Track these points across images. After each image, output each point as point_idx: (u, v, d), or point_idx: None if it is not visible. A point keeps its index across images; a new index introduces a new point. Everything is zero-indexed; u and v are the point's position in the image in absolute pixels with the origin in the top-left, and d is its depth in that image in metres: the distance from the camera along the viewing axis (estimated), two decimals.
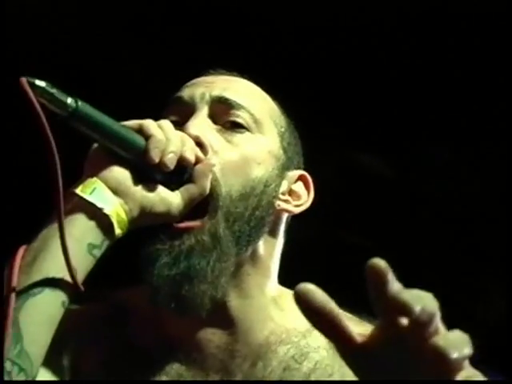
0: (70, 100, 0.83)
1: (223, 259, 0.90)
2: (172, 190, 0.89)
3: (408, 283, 0.58)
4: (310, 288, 0.55)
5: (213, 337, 0.95)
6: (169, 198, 0.88)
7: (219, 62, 1.07)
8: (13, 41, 2.06)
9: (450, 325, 0.58)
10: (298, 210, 1.00)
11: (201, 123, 0.93)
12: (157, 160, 0.86)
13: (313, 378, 0.94)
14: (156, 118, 0.94)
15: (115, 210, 0.84)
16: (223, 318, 0.95)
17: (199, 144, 0.91)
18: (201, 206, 0.91)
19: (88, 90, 0.91)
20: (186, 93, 0.98)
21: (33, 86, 0.79)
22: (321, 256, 2.05)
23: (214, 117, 0.95)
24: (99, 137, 0.87)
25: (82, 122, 0.85)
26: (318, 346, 0.95)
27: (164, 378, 0.94)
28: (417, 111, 2.29)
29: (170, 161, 0.87)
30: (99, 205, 0.83)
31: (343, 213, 2.17)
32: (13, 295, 0.76)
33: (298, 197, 1.01)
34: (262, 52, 2.16)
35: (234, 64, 1.07)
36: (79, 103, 0.84)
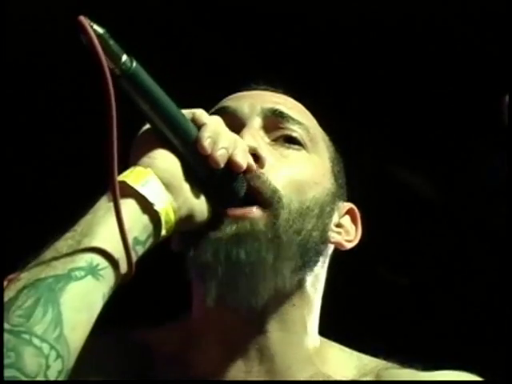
0: (125, 57, 0.77)
1: (283, 254, 0.86)
2: (209, 193, 0.84)
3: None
4: None
5: (247, 375, 0.91)
6: (204, 203, 0.83)
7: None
8: None
9: None
10: (349, 246, 0.96)
11: (256, 135, 0.89)
12: (209, 151, 0.80)
13: None
14: None
15: (165, 207, 0.79)
16: (261, 352, 0.91)
17: (255, 156, 0.87)
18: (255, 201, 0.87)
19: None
20: (232, 103, 0.94)
21: (91, 28, 0.73)
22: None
23: (265, 128, 0.92)
24: (149, 108, 0.80)
25: (133, 86, 0.78)
26: None
27: None
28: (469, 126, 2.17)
29: (222, 157, 0.81)
30: (151, 199, 0.77)
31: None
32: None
33: (347, 232, 0.97)
34: (293, 60, 2.08)
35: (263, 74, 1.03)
36: (134, 63, 0.77)
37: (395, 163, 2.26)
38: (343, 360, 0.96)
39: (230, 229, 0.84)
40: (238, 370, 0.91)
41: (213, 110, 0.96)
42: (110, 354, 0.95)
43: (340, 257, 0.98)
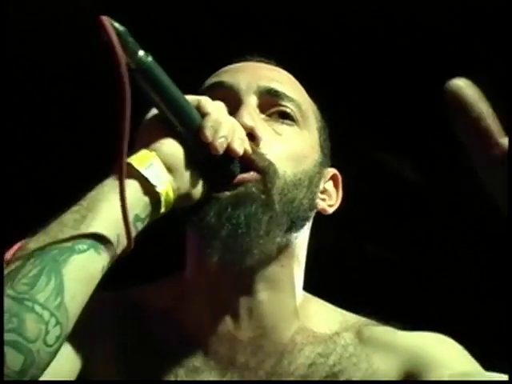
0: (142, 52, 0.83)
1: (276, 219, 0.91)
2: (208, 176, 0.89)
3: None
4: (462, 84, 0.51)
5: (236, 332, 0.96)
6: (201, 183, 0.89)
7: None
8: None
9: None
10: (330, 211, 1.02)
11: (252, 113, 0.93)
12: (210, 139, 0.86)
13: (338, 369, 0.95)
14: None
15: (166, 189, 0.84)
16: (250, 310, 0.95)
17: (251, 135, 0.92)
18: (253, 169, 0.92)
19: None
20: (228, 78, 0.98)
21: (112, 27, 0.79)
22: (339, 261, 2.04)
23: (261, 107, 0.96)
24: (160, 99, 0.86)
25: (148, 79, 0.84)
26: (347, 344, 0.97)
27: (180, 371, 0.95)
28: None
29: (221, 145, 0.87)
30: (153, 181, 0.83)
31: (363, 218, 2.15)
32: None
33: (330, 196, 1.03)
34: (289, 45, 2.09)
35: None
36: (150, 58, 0.84)
37: (383, 149, 2.32)
38: (326, 315, 1.01)
39: (229, 191, 0.90)
40: (227, 327, 0.96)
41: (209, 81, 1.02)
42: (108, 314, 1.00)
43: (331, 231, 1.05)
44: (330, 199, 1.03)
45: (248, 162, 0.91)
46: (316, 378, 0.95)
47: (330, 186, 1.04)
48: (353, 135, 2.05)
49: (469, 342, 1.02)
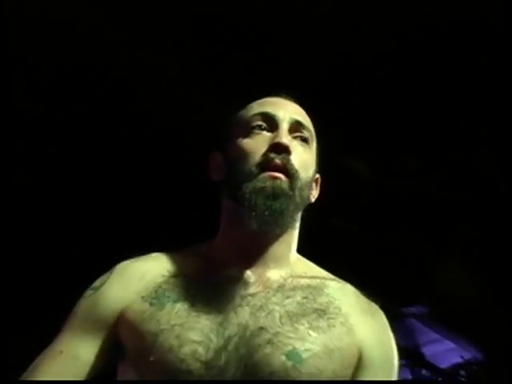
0: None
1: (295, 206, 1.16)
2: None
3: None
4: None
5: (246, 265, 1.16)
6: None
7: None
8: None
9: None
10: (312, 201, 1.27)
11: (287, 135, 1.19)
12: None
13: (321, 308, 1.13)
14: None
15: None
16: (262, 255, 1.17)
17: (287, 150, 1.17)
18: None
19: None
20: (271, 110, 1.23)
21: None
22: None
23: (290, 131, 1.21)
24: None
25: None
26: (329, 292, 1.18)
27: (230, 289, 1.13)
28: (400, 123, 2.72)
29: None
30: None
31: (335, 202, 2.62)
32: None
33: (314, 192, 1.28)
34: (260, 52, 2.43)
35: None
36: None
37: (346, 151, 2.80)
38: (313, 270, 1.24)
39: (269, 183, 1.13)
40: (247, 266, 1.16)
41: (258, 108, 1.24)
42: (182, 261, 1.19)
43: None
44: (313, 194, 1.27)
45: (284, 168, 1.16)
46: (302, 315, 1.11)
47: (315, 185, 1.27)
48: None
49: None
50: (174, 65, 2.56)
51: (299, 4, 2.31)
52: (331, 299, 1.15)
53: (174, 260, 1.17)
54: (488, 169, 2.92)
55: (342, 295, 1.17)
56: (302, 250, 1.23)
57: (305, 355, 1.04)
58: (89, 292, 1.15)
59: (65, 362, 1.09)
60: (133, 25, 2.43)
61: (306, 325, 1.08)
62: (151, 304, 1.10)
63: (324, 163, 1.25)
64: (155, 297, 1.11)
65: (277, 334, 1.06)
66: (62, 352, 1.09)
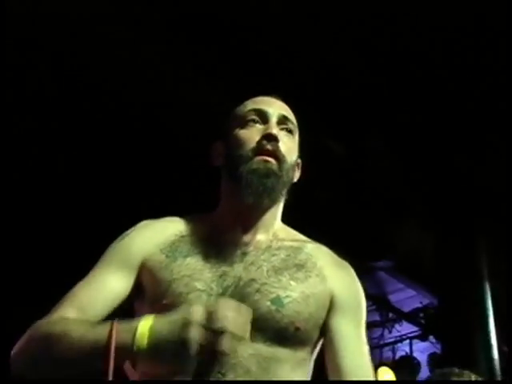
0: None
1: (282, 185, 1.27)
2: None
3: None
4: None
5: (246, 232, 1.28)
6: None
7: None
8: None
9: None
10: (294, 181, 1.37)
11: (276, 127, 1.30)
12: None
13: (301, 263, 1.27)
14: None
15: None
16: (255, 223, 1.29)
17: (276, 138, 1.27)
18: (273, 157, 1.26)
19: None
20: (263, 106, 1.34)
21: None
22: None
23: (278, 124, 1.32)
24: None
25: None
26: (308, 251, 1.31)
27: (226, 250, 1.25)
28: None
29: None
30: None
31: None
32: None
33: (297, 172, 1.39)
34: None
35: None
36: None
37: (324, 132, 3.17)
38: (294, 234, 1.36)
39: (262, 165, 1.25)
40: (243, 230, 1.28)
41: (252, 104, 1.35)
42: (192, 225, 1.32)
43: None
44: (297, 174, 1.37)
45: (274, 153, 1.27)
46: (284, 269, 1.24)
47: (297, 167, 1.37)
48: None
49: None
50: (179, 67, 2.77)
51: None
52: (309, 256, 1.28)
53: (185, 223, 1.31)
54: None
55: (318, 253, 1.30)
56: (285, 219, 1.36)
57: (286, 301, 1.19)
58: (118, 240, 1.29)
59: (97, 287, 1.21)
60: (132, 24, 2.56)
61: (288, 276, 1.23)
62: (167, 256, 1.23)
63: (303, 148, 1.38)
64: (170, 250, 1.24)
65: (264, 284, 1.20)
66: (95, 279, 1.22)
